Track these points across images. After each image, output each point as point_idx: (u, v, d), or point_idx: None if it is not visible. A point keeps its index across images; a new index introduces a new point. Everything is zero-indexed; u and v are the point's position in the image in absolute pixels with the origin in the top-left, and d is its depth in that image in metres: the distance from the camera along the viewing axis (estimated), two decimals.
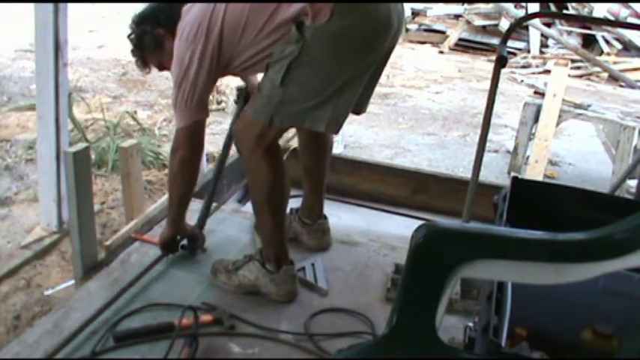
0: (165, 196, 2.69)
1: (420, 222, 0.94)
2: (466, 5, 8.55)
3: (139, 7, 2.12)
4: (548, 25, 7.86)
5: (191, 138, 2.02)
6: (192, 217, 2.35)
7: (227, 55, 1.94)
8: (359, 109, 2.12)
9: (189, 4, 2.00)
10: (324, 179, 2.40)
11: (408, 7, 9.03)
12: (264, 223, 2.07)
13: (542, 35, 7.84)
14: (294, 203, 2.48)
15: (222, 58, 1.94)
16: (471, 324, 1.38)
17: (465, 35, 8.35)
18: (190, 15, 1.95)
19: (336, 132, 2.00)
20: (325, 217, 2.44)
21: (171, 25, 2.00)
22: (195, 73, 1.92)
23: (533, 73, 6.96)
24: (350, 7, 1.78)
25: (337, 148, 4.18)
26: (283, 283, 2.06)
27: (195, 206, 2.39)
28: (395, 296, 0.99)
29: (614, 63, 7.34)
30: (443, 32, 8.58)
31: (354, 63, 1.86)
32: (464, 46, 8.31)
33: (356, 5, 1.80)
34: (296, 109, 1.86)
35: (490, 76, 1.91)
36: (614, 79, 7.03)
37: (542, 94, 4.11)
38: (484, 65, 7.50)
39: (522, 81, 6.67)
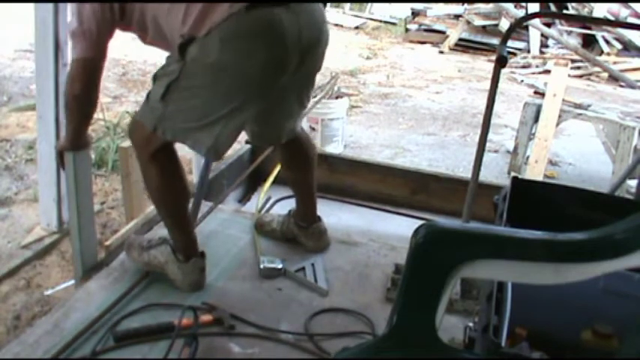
0: None
1: (420, 222, 0.94)
2: (466, 5, 8.56)
3: None
4: (548, 25, 7.86)
5: (87, 74, 1.89)
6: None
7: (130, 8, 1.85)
8: (272, 139, 2.08)
9: None
10: (312, 188, 2.37)
11: (408, 7, 9.05)
12: (163, 220, 2.12)
13: (542, 35, 7.84)
14: (292, 204, 2.48)
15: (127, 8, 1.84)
16: (471, 324, 1.38)
17: (465, 35, 8.35)
18: None
19: (217, 160, 1.96)
20: (320, 220, 2.40)
21: None
22: (100, 7, 1.80)
23: (533, 73, 6.96)
24: (235, 40, 1.69)
25: (337, 148, 4.19)
26: (190, 273, 2.07)
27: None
28: (395, 296, 0.99)
29: (614, 63, 7.34)
30: (443, 32, 8.59)
31: (238, 96, 1.79)
32: (464, 46, 8.31)
33: (244, 39, 1.70)
34: (178, 126, 1.85)
35: (490, 76, 1.91)
36: (614, 79, 7.03)
37: (542, 94, 4.11)
38: (484, 65, 7.51)
39: (522, 81, 6.66)
